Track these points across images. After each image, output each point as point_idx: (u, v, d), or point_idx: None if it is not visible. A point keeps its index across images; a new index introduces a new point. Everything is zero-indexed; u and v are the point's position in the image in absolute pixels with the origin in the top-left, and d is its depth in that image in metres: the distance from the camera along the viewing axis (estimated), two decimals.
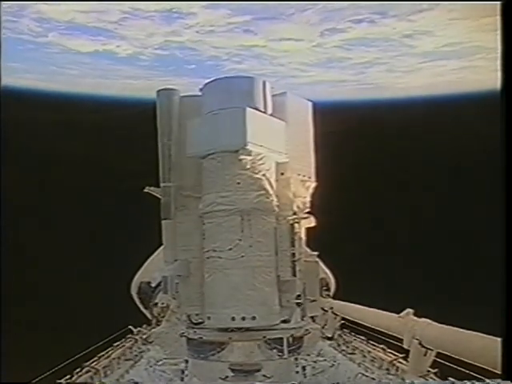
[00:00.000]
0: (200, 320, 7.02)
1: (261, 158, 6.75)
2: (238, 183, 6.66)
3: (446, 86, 31.30)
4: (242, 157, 6.50)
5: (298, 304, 6.92)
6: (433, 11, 30.25)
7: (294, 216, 6.97)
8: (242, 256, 6.56)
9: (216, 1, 30.68)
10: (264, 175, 6.79)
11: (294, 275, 6.82)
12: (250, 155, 6.55)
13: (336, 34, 32.72)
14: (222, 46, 33.97)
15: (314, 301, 7.23)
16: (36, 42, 32.05)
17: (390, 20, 31.81)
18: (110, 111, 28.20)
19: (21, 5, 29.63)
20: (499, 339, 5.32)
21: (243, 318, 6.49)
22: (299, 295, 6.92)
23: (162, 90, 7.47)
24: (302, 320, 7.14)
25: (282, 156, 7.14)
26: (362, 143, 27.59)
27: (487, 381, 5.24)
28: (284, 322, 6.86)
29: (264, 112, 6.99)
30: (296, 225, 6.94)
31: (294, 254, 6.84)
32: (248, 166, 6.62)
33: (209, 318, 6.78)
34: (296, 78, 35.00)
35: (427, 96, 30.82)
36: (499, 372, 5.22)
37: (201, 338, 6.90)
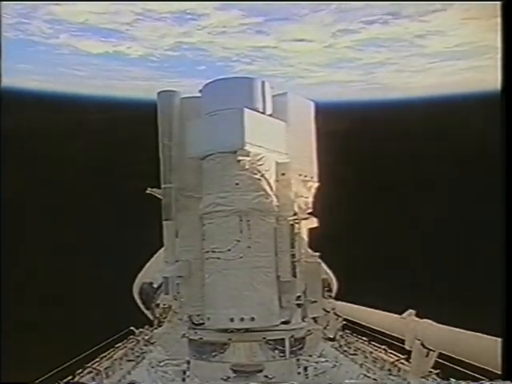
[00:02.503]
0: (201, 321, 7.05)
1: (260, 159, 6.76)
2: (237, 184, 6.67)
3: (454, 85, 31.21)
4: (240, 157, 6.52)
5: (299, 305, 6.91)
6: (446, 11, 30.15)
7: (295, 216, 6.96)
8: (241, 257, 6.57)
9: (229, 1, 30.70)
10: (263, 176, 6.79)
11: (294, 276, 6.81)
12: (248, 156, 6.57)
13: (348, 35, 32.66)
14: (233, 47, 34.00)
15: (314, 302, 7.22)
16: (46, 44, 32.13)
17: (403, 20, 31.70)
18: (116, 112, 28.26)
19: (33, 6, 29.78)
20: (499, 339, 5.31)
21: (242, 319, 6.51)
22: (299, 296, 6.91)
23: (163, 91, 7.51)
24: (303, 321, 7.14)
25: (282, 156, 7.15)
26: (368, 143, 27.55)
27: (487, 381, 5.25)
28: (284, 322, 6.86)
29: (263, 112, 7.02)
30: (296, 225, 6.93)
31: (294, 255, 6.82)
32: (247, 167, 6.63)
33: (208, 318, 6.81)
34: (305, 79, 34.95)
35: (435, 96, 30.74)
36: (499, 372, 5.22)
37: (201, 338, 6.93)
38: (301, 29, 32.52)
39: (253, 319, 6.51)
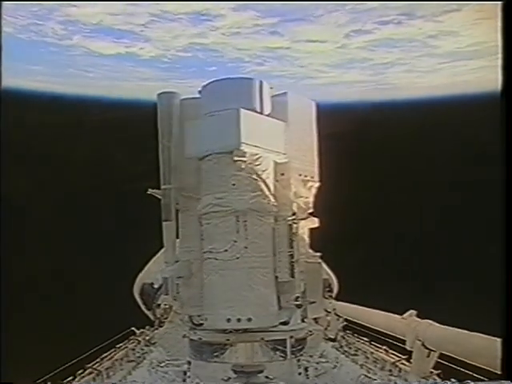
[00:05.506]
0: (201, 321, 7.04)
1: (257, 159, 6.75)
2: (234, 184, 6.67)
3: (465, 85, 31.17)
4: (236, 158, 6.52)
5: (298, 305, 6.89)
6: (460, 11, 30.03)
7: (293, 216, 6.94)
8: (238, 257, 6.57)
9: (244, 0, 30.59)
10: (260, 176, 6.78)
11: (293, 276, 6.78)
12: (244, 156, 6.56)
13: (361, 36, 32.43)
14: (246, 48, 33.88)
15: (313, 302, 7.19)
16: (59, 45, 32.03)
17: (417, 21, 31.37)
18: (121, 113, 28.26)
19: (49, 8, 29.79)
20: (499, 339, 5.32)
21: (239, 320, 6.50)
22: (298, 296, 6.89)
23: (163, 92, 7.51)
24: (303, 321, 7.13)
25: (280, 156, 7.13)
26: (375, 144, 27.53)
27: (487, 381, 5.25)
28: (283, 323, 6.84)
29: (260, 112, 7.00)
30: (295, 225, 6.90)
31: (292, 255, 6.80)
32: (243, 167, 6.62)
33: (206, 319, 6.82)
34: (314, 79, 34.78)
35: (446, 96, 30.69)
36: (500, 372, 5.23)
37: (200, 338, 6.94)
38: (315, 29, 32.39)
39: (250, 320, 6.50)
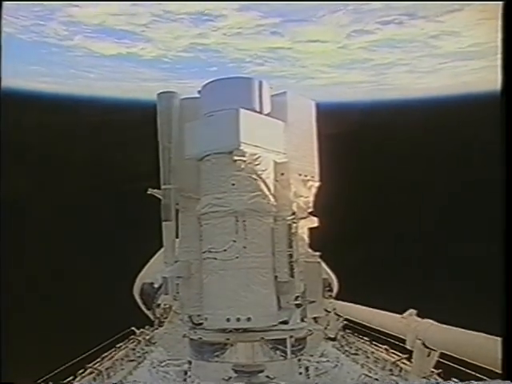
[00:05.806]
0: (201, 321, 7.05)
1: (256, 159, 6.75)
2: (233, 184, 6.69)
3: (464, 86, 31.08)
4: (236, 158, 6.52)
5: (298, 305, 6.89)
6: (463, 12, 29.96)
7: (293, 216, 6.93)
8: (237, 257, 6.59)
9: (245, 0, 30.48)
10: (259, 176, 6.78)
11: (292, 276, 6.79)
12: (244, 156, 6.57)
13: (362, 36, 32.27)
14: (247, 49, 33.78)
15: (312, 302, 7.19)
16: (60, 45, 31.93)
17: (419, 21, 31.22)
18: (120, 113, 28.18)
19: (51, 8, 29.73)
20: (499, 339, 5.31)
21: (238, 319, 6.53)
22: (298, 296, 6.89)
23: (162, 93, 7.50)
24: (303, 321, 7.13)
25: (280, 156, 7.13)
26: (376, 144, 27.47)
27: (488, 381, 5.25)
28: (283, 323, 6.85)
29: (260, 112, 7.00)
30: (294, 225, 6.90)
31: (291, 255, 6.81)
32: (243, 167, 6.62)
33: (206, 318, 6.83)
34: (315, 80, 34.71)
35: (446, 96, 30.62)
36: (500, 371, 5.23)
37: (200, 338, 6.94)
38: (316, 30, 32.25)
39: (249, 319, 6.53)
